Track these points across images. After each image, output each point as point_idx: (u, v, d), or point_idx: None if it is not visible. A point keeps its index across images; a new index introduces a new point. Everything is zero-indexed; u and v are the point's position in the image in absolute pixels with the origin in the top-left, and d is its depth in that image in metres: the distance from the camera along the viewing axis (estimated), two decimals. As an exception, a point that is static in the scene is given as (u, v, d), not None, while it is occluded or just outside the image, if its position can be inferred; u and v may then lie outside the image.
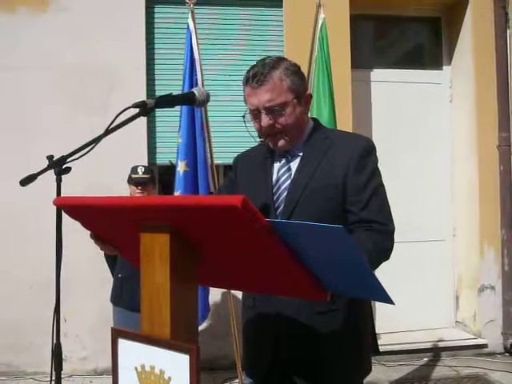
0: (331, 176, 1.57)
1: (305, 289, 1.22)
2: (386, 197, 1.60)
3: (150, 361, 1.16)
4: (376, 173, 1.60)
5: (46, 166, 1.51)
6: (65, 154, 1.50)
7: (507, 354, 4.27)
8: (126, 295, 2.92)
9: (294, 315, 1.57)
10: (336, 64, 3.60)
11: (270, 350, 1.63)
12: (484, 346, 4.29)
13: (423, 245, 4.50)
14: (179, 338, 1.14)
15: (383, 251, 1.51)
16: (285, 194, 1.61)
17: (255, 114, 1.59)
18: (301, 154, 1.64)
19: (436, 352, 4.22)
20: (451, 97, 4.66)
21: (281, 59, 1.63)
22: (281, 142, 1.61)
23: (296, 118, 1.59)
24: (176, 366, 1.11)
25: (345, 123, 3.77)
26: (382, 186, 1.59)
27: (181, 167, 3.24)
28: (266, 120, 1.56)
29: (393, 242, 1.55)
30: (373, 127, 4.47)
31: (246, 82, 1.59)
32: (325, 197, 1.56)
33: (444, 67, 4.71)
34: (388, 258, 1.54)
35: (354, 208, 1.55)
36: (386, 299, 1.19)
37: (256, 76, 1.55)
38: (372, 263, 1.37)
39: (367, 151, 1.60)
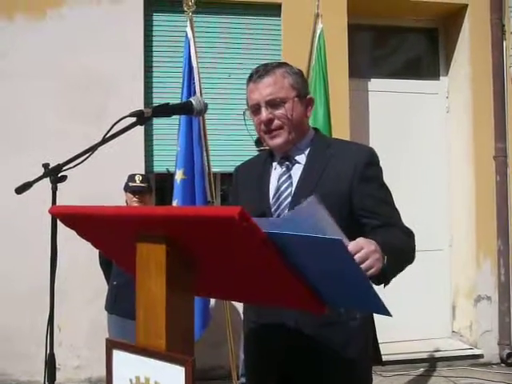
0: (336, 184, 1.56)
1: (302, 300, 1.21)
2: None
3: (144, 372, 1.15)
4: (385, 183, 1.63)
5: (41, 174, 1.50)
6: (61, 163, 1.49)
7: (503, 365, 4.26)
8: (120, 303, 2.90)
9: (297, 328, 1.56)
10: (334, 73, 3.62)
11: (273, 362, 1.61)
12: (480, 356, 4.29)
13: (420, 254, 4.37)
14: (175, 350, 1.13)
15: (412, 248, 1.57)
16: (286, 201, 1.59)
17: (256, 109, 1.60)
18: (301, 161, 1.64)
19: (432, 362, 4.21)
20: (448, 107, 4.68)
21: (284, 63, 1.67)
22: (279, 139, 1.60)
23: (296, 116, 1.59)
24: (171, 377, 1.09)
25: (342, 132, 3.78)
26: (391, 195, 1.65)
27: (178, 175, 3.23)
28: (265, 114, 1.57)
29: (415, 245, 1.59)
30: (370, 137, 4.49)
31: (250, 79, 1.62)
32: (329, 205, 1.55)
33: (441, 77, 4.75)
34: (412, 261, 1.56)
35: (375, 221, 1.56)
36: (384, 311, 1.17)
37: (259, 72, 1.59)
38: (403, 256, 1.45)
39: (373, 160, 1.61)
